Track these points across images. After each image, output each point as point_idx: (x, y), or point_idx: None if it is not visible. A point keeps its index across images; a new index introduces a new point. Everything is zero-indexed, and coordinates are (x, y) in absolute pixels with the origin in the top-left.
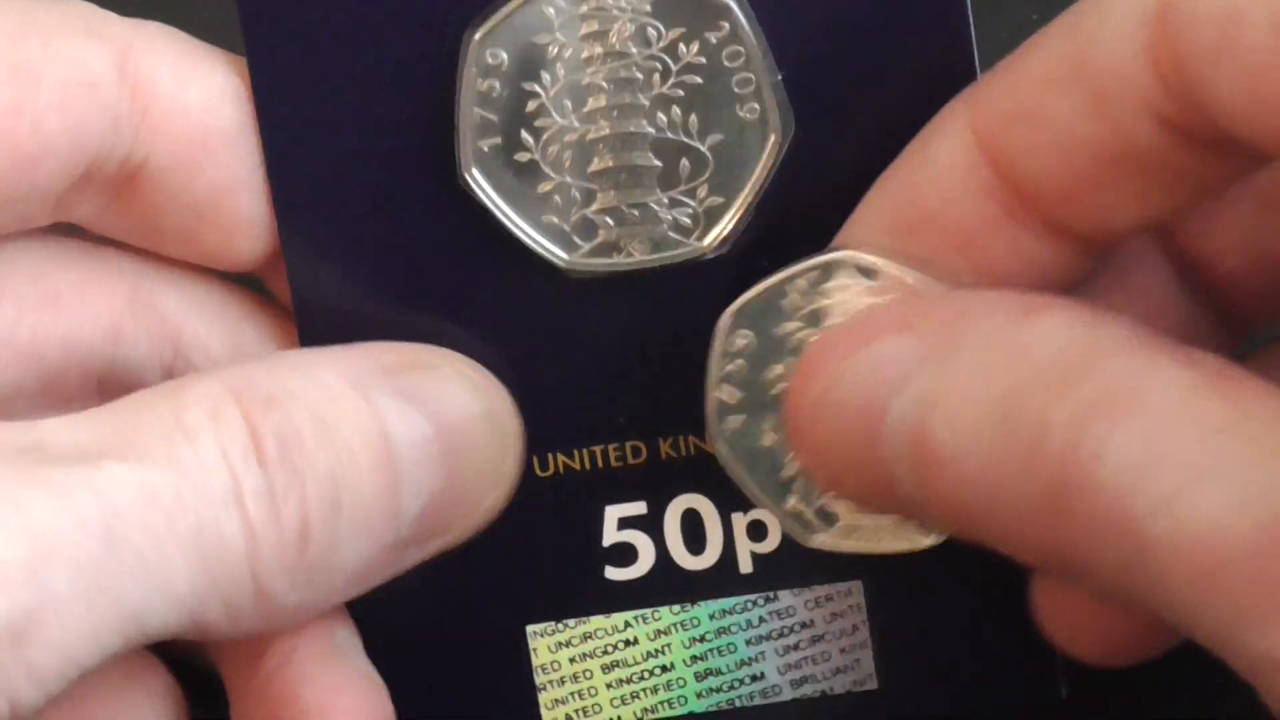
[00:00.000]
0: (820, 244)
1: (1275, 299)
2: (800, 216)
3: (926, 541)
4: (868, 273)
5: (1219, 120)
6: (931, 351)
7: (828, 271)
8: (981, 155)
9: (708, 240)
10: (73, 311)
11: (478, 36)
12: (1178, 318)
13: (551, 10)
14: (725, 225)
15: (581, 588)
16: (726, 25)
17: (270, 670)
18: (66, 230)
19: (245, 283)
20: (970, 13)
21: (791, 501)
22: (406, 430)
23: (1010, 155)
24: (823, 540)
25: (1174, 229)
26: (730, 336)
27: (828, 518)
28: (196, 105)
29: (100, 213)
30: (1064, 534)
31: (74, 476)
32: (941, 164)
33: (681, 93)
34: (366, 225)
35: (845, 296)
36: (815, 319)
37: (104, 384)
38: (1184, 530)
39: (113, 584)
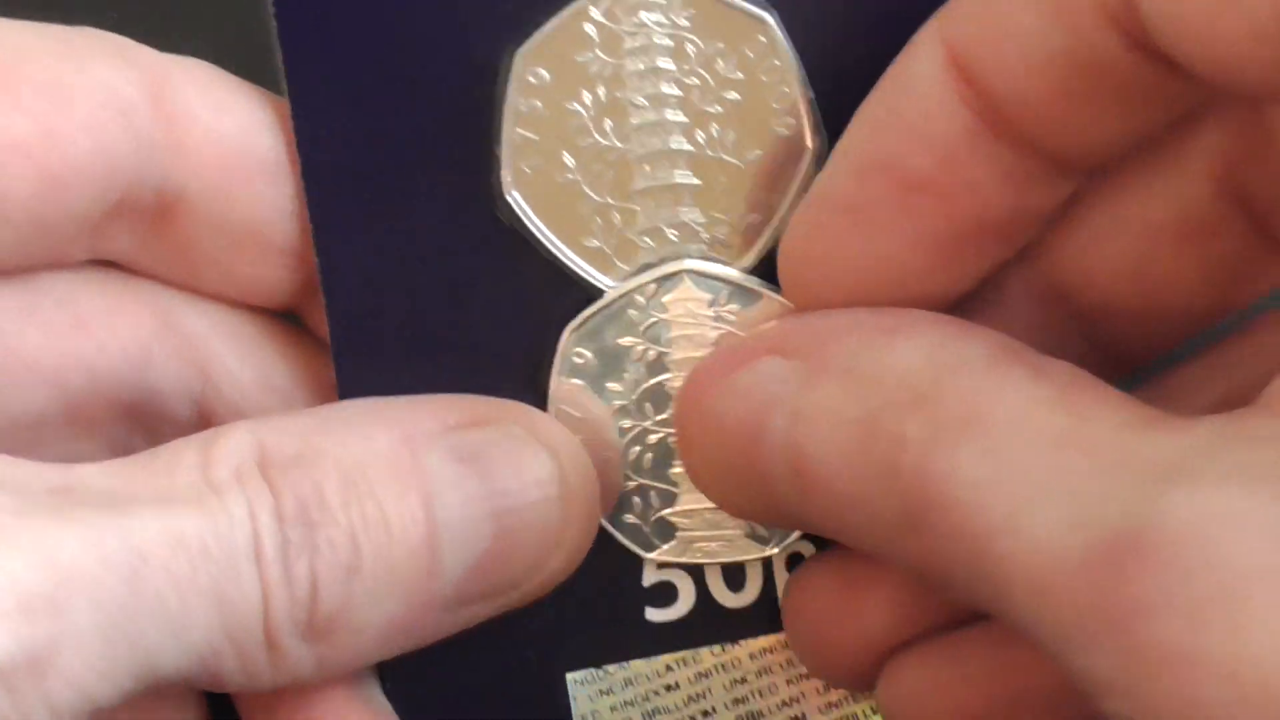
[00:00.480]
0: None
1: (1150, 331)
2: None
3: (767, 551)
4: (707, 283)
5: (1155, 41)
6: (802, 372)
7: (666, 284)
8: (953, 69)
9: (747, 260)
10: (100, 338)
11: (519, 55)
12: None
13: (592, 28)
14: (764, 242)
15: (623, 630)
16: (764, 39)
17: (285, 712)
18: (99, 262)
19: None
20: None
21: (629, 517)
22: (453, 490)
23: (980, 69)
24: (663, 553)
25: (1042, 255)
26: (568, 356)
27: (665, 532)
28: (232, 134)
29: (136, 247)
30: (923, 549)
31: (103, 517)
32: (919, 78)
33: (720, 109)
34: (406, 252)
35: (684, 309)
36: (655, 334)
37: (131, 412)
38: (1023, 548)
39: (132, 625)
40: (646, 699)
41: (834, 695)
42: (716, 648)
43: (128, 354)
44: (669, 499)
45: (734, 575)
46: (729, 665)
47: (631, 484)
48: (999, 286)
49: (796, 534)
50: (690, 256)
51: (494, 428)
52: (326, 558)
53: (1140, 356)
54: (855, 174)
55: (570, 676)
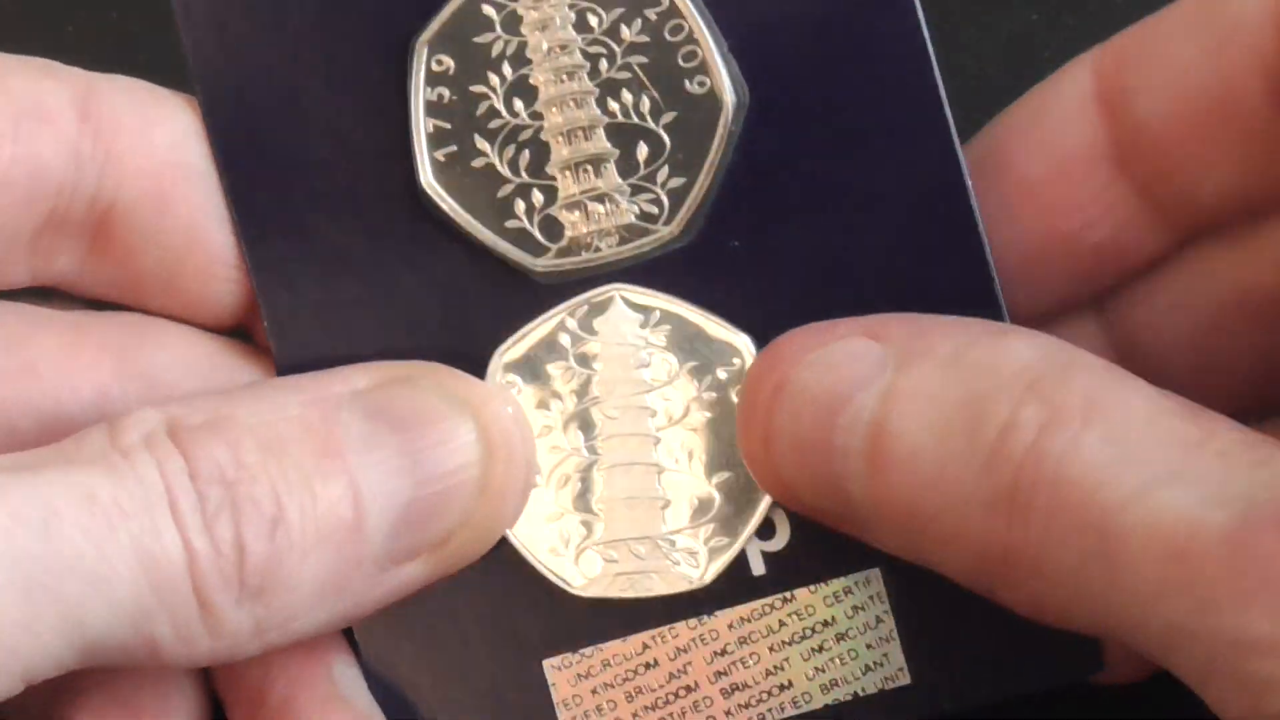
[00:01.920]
0: (789, 217)
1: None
2: (766, 192)
3: (694, 585)
4: (637, 308)
5: None
6: (898, 356)
7: (596, 309)
8: (1098, 90)
9: (674, 225)
10: (53, 381)
11: (421, 44)
12: None
13: (491, 9)
14: (690, 207)
15: (594, 614)
16: (666, 1)
17: (270, 714)
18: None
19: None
20: None
21: (554, 547)
22: (367, 446)
23: (1126, 91)
24: (587, 588)
25: (1115, 306)
26: (499, 384)
27: (590, 564)
28: (162, 143)
29: (76, 267)
30: (1017, 532)
31: (9, 477)
32: (1062, 96)
33: (629, 75)
34: (335, 248)
35: (614, 331)
36: (585, 359)
37: None
38: (1155, 520)
39: (52, 580)
40: (626, 679)
41: (821, 659)
42: (693, 620)
43: (82, 398)
44: (593, 530)
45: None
46: (706, 637)
47: (556, 514)
48: (1067, 324)
49: (724, 562)
50: (608, 234)
51: (404, 384)
52: (249, 513)
53: None
54: (971, 167)
55: (547, 663)
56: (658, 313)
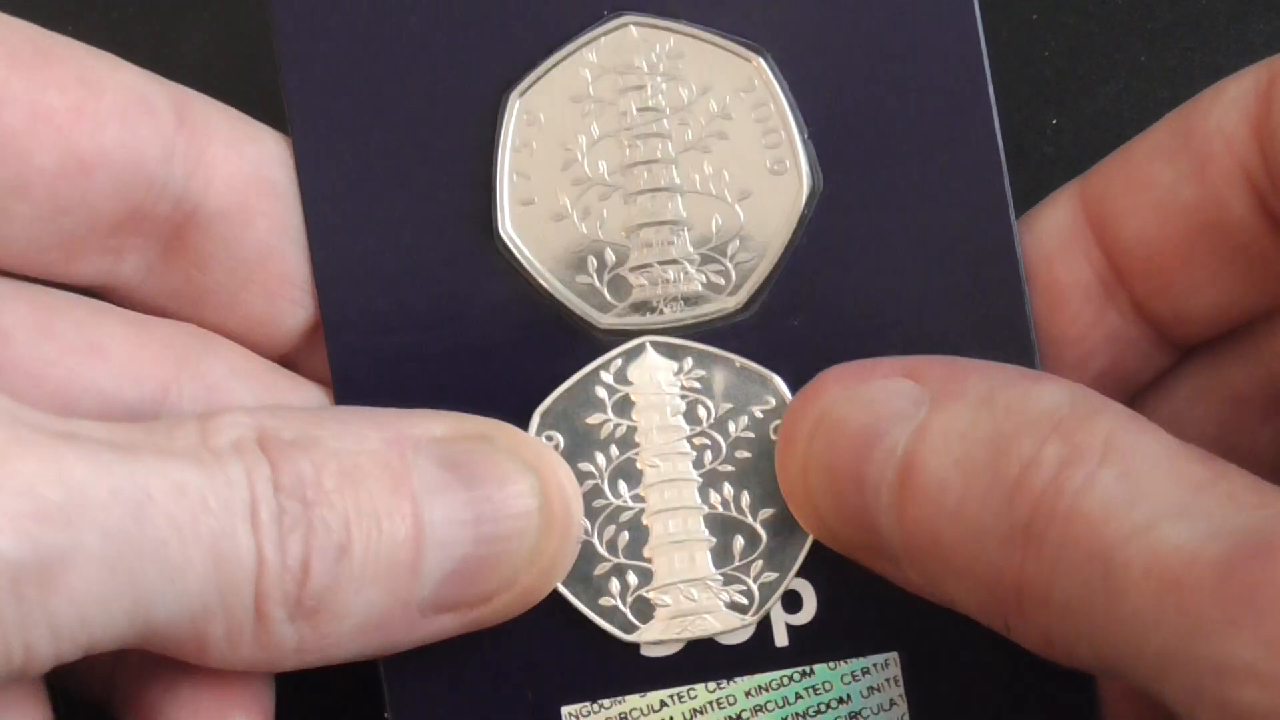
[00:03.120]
0: (849, 300)
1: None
2: (829, 274)
3: (747, 620)
4: (670, 351)
5: None
6: (934, 395)
7: (630, 357)
8: (1086, 219)
9: (739, 297)
10: (117, 365)
11: (516, 96)
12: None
13: (587, 71)
14: (756, 282)
15: (618, 666)
16: (756, 82)
17: None
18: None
19: None
20: (988, 67)
21: (605, 600)
22: (438, 493)
23: (1112, 217)
24: (642, 634)
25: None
26: (539, 438)
27: (644, 611)
28: (251, 158)
29: (145, 270)
30: (1030, 564)
31: (112, 454)
32: (1048, 225)
33: (712, 148)
34: (404, 286)
35: (649, 379)
36: (623, 407)
37: None
38: (1154, 551)
39: (136, 561)
40: None
41: None
42: (711, 684)
43: (145, 388)
44: (646, 577)
45: None
46: (724, 702)
47: (607, 565)
48: None
49: (774, 601)
50: (675, 300)
51: (480, 441)
52: (320, 536)
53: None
54: None
55: (565, 710)
56: (690, 358)
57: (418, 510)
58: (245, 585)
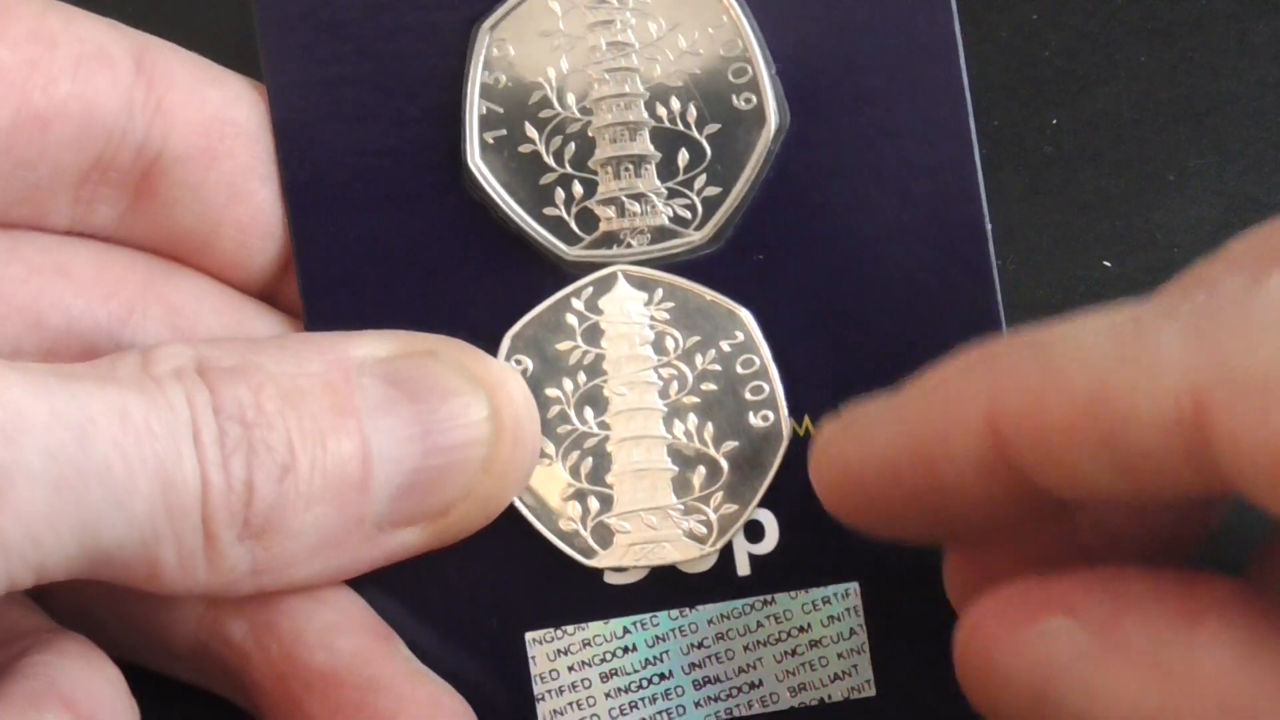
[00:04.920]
0: (815, 235)
1: None
2: (795, 210)
3: (705, 550)
4: (641, 283)
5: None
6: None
7: (602, 286)
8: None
9: (705, 231)
10: (83, 285)
11: (485, 29)
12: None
13: (556, 5)
14: (722, 217)
15: (581, 592)
16: (725, 19)
17: (356, 699)
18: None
19: None
20: (955, 10)
21: (566, 523)
22: (384, 408)
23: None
24: (603, 559)
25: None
26: (512, 367)
27: (604, 537)
28: (213, 101)
29: (116, 218)
30: None
31: (54, 379)
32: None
33: (680, 83)
34: (374, 217)
35: (619, 309)
36: (593, 335)
37: None
38: None
39: (80, 481)
40: (603, 660)
41: (793, 663)
42: (674, 612)
43: (109, 306)
44: (607, 503)
45: None
46: (687, 630)
47: (569, 489)
48: None
49: (734, 532)
50: (641, 233)
51: (425, 356)
52: (262, 457)
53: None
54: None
55: (529, 635)
56: (660, 289)
57: (362, 426)
58: (192, 507)
